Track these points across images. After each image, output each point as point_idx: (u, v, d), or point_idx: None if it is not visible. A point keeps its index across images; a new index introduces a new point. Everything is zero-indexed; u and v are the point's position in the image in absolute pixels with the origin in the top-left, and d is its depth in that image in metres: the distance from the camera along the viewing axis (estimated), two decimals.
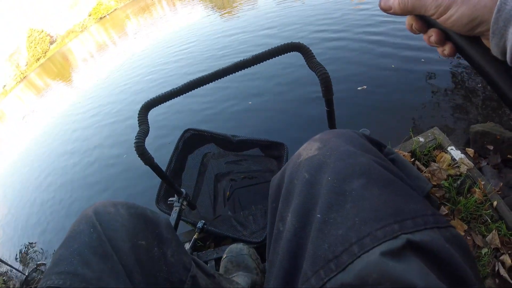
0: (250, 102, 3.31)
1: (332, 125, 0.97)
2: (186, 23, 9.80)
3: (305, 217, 0.38)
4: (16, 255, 3.56)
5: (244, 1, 9.16)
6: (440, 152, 1.45)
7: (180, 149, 1.54)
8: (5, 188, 6.53)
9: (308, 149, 0.45)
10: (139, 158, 0.95)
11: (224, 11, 9.05)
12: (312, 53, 0.90)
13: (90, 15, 63.24)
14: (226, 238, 1.25)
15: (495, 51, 0.30)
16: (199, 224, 1.22)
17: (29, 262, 3.31)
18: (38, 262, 3.26)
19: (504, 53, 0.29)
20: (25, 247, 3.62)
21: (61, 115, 8.30)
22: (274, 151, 1.49)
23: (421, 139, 1.54)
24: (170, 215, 1.20)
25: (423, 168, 1.40)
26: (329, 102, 0.92)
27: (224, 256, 1.02)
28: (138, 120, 0.96)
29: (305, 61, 0.90)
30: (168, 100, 0.97)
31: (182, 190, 1.26)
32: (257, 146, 1.52)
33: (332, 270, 0.32)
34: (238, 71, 0.92)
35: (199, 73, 0.90)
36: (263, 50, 0.90)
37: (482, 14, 0.30)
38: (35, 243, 3.59)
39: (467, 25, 0.31)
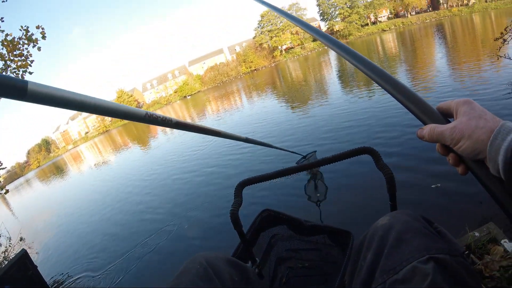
0: (318, 194, 3.65)
1: None
2: (258, 116, 10.54)
3: (378, 253, 0.62)
4: None
5: (317, 99, 9.93)
6: (494, 245, 1.53)
7: (255, 226, 1.65)
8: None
9: (383, 220, 0.70)
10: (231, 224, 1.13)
11: (297, 108, 9.73)
12: (380, 156, 1.07)
13: (175, 92, 67.72)
14: None
15: (492, 170, 0.43)
16: None
17: None
18: None
19: (498, 171, 0.42)
20: None
21: (124, 178, 9.27)
22: (340, 238, 1.57)
23: (477, 234, 1.64)
24: None
25: (477, 261, 1.47)
26: (392, 198, 1.05)
27: None
28: (234, 193, 1.15)
29: (374, 162, 1.07)
30: (259, 182, 1.15)
31: (257, 259, 1.38)
32: (325, 232, 1.61)
33: (390, 274, 0.56)
34: (318, 167, 1.15)
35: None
36: (340, 152, 1.11)
37: (481, 147, 0.43)
38: None
39: (472, 153, 0.45)
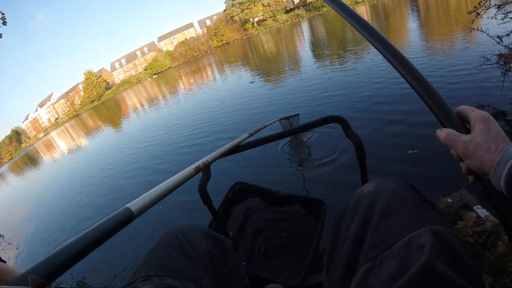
0: (293, 164, 3.67)
1: (364, 183, 1.10)
2: (229, 88, 10.60)
3: (365, 224, 0.57)
4: None
5: (290, 70, 9.90)
6: (466, 212, 1.54)
7: (228, 199, 1.66)
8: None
9: (368, 187, 0.65)
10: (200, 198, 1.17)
11: (269, 79, 9.73)
12: (349, 124, 1.08)
13: (145, 70, 66.88)
14: (264, 280, 1.31)
15: (497, 187, 0.48)
16: None
17: None
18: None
19: (501, 189, 0.47)
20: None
21: (97, 162, 9.06)
22: (313, 208, 1.58)
23: (449, 200, 1.67)
24: None
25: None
26: (362, 165, 1.07)
27: None
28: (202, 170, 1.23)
29: (343, 130, 1.08)
30: (225, 156, 1.14)
31: (230, 232, 1.46)
32: (297, 202, 1.63)
33: (381, 248, 0.51)
34: (288, 136, 1.15)
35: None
36: (309, 121, 1.10)
37: (487, 170, 0.48)
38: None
39: (479, 171, 0.51)
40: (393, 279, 0.45)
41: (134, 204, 0.56)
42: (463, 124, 0.55)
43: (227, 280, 0.73)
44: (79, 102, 73.94)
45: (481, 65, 3.96)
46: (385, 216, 0.56)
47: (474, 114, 0.53)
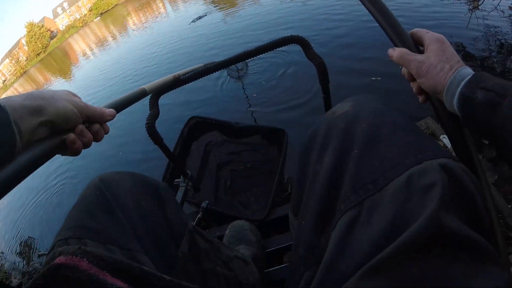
0: (254, 95, 3.49)
1: (328, 110, 1.01)
2: (184, 20, 9.95)
3: (343, 155, 0.44)
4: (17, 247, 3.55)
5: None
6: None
7: (185, 135, 1.58)
8: None
9: (342, 107, 0.52)
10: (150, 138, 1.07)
11: (223, 9, 9.04)
12: (310, 45, 0.96)
13: (91, 10, 63.30)
14: (229, 218, 1.26)
15: (449, 107, 0.49)
16: (203, 204, 1.26)
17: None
18: (40, 253, 3.29)
19: (452, 109, 0.48)
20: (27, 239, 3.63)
21: None
22: (275, 138, 1.53)
23: None
24: (175, 195, 1.27)
25: None
26: (325, 89, 0.99)
27: (226, 232, 1.05)
28: (149, 105, 1.05)
29: (304, 52, 0.97)
30: (176, 87, 1.06)
31: (188, 171, 1.35)
32: (258, 132, 1.57)
33: (370, 190, 0.38)
34: (242, 61, 1.04)
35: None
36: (265, 42, 0.98)
37: (440, 89, 0.49)
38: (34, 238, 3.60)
39: (431, 91, 0.51)
40: (388, 234, 0.33)
41: (147, 87, 0.78)
42: (416, 45, 0.55)
43: (164, 232, 0.62)
44: (24, 58, 68.64)
45: None
46: (371, 144, 0.43)
47: (429, 35, 0.52)
